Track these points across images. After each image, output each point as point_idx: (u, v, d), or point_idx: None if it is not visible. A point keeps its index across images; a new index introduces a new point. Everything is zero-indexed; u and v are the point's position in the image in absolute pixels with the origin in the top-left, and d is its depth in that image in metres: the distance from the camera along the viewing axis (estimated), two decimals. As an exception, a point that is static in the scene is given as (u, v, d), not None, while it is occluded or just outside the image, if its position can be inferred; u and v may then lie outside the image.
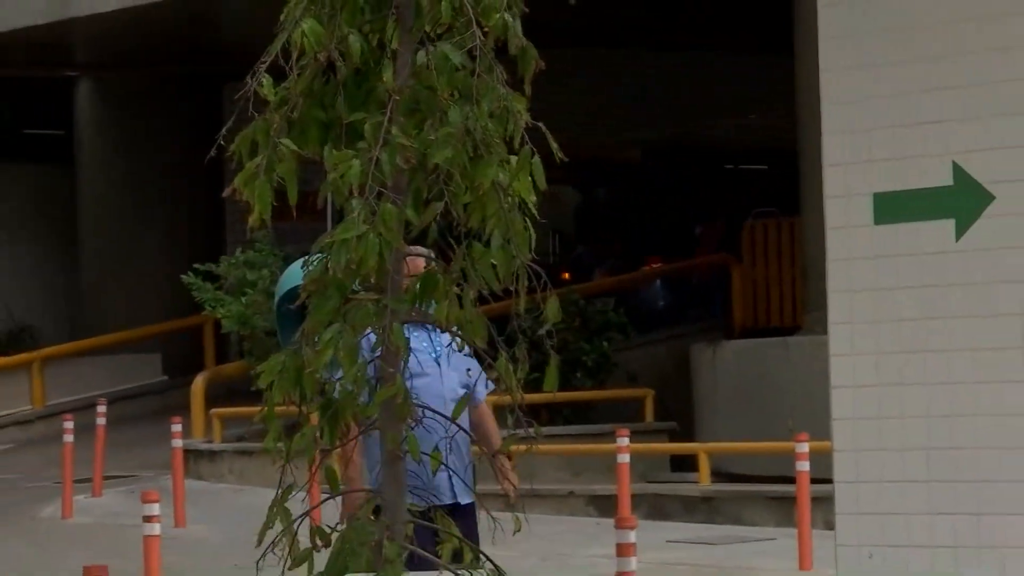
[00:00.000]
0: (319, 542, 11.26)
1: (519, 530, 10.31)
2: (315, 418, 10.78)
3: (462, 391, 10.92)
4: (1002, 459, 8.80)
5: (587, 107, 31.55)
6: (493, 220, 10.31)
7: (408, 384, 9.85)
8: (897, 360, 9.23)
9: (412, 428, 9.73)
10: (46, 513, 26.92)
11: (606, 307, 33.05)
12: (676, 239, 37.02)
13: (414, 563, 10.04)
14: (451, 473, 10.65)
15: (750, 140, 39.77)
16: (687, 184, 37.82)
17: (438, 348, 11.04)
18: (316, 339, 10.97)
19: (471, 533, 10.94)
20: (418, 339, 10.83)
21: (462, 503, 10.97)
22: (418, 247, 10.38)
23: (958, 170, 8.80)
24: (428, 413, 9.90)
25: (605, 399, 30.88)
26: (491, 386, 10.89)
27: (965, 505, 8.87)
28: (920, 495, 9.09)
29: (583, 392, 29.84)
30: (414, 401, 9.91)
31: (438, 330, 10.32)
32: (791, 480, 20.56)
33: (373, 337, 10.12)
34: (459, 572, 10.89)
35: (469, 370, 10.85)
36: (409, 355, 9.74)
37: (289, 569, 10.81)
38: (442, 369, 10.96)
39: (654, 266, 36.03)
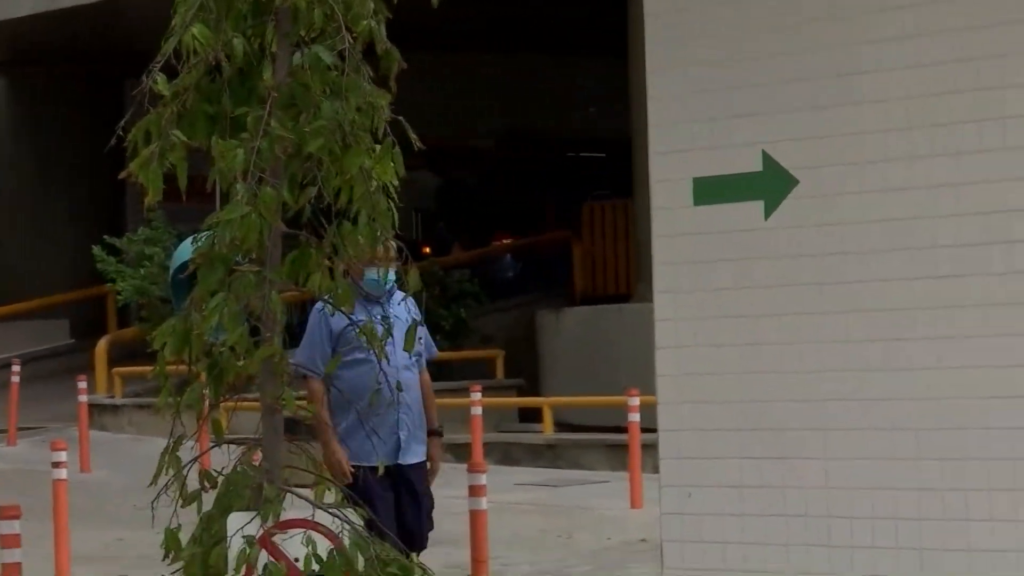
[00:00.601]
0: (207, 484, 11.45)
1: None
2: (203, 376, 11.57)
3: (411, 360, 11.25)
4: (799, 410, 9.02)
5: (446, 102, 31.77)
6: (360, 201, 11.02)
7: (364, 355, 10.37)
8: (713, 324, 9.41)
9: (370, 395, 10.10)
10: None
11: (463, 278, 33.16)
12: (525, 218, 37.48)
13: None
14: (406, 435, 11.00)
15: (590, 131, 40.23)
16: (535, 170, 38.36)
17: (390, 319, 10.85)
18: (204, 306, 11.15)
19: (421, 493, 11.25)
20: (369, 313, 10.92)
21: (415, 462, 11.10)
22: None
23: (767, 157, 8.96)
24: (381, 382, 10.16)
25: (461, 359, 29.84)
26: (435, 352, 11.61)
27: (771, 450, 9.08)
28: (732, 442, 9.27)
29: (442, 353, 29.70)
30: (370, 369, 10.19)
31: (393, 305, 11.22)
32: (624, 430, 21.09)
33: (336, 320, 11.04)
34: (331, 511, 11.15)
35: (421, 339, 10.95)
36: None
37: (181, 508, 11.05)
38: (394, 339, 10.82)
39: (505, 242, 36.47)
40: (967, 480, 8.41)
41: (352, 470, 10.98)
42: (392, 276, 11.25)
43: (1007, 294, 8.44)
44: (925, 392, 8.94)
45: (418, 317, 10.98)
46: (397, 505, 11.08)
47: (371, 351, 10.55)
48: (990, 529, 8.45)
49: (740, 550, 9.30)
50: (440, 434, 11.37)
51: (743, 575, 9.17)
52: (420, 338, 10.96)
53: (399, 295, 11.47)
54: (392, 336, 10.78)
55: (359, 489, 10.69)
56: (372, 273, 11.08)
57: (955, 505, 8.26)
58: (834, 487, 9.05)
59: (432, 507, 11.20)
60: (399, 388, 10.48)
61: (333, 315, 11.04)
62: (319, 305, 11.59)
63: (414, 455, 11.06)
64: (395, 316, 10.93)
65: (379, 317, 10.65)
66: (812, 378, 9.34)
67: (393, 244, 10.76)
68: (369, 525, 11.12)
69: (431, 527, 11.16)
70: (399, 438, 11.14)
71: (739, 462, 9.43)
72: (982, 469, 8.43)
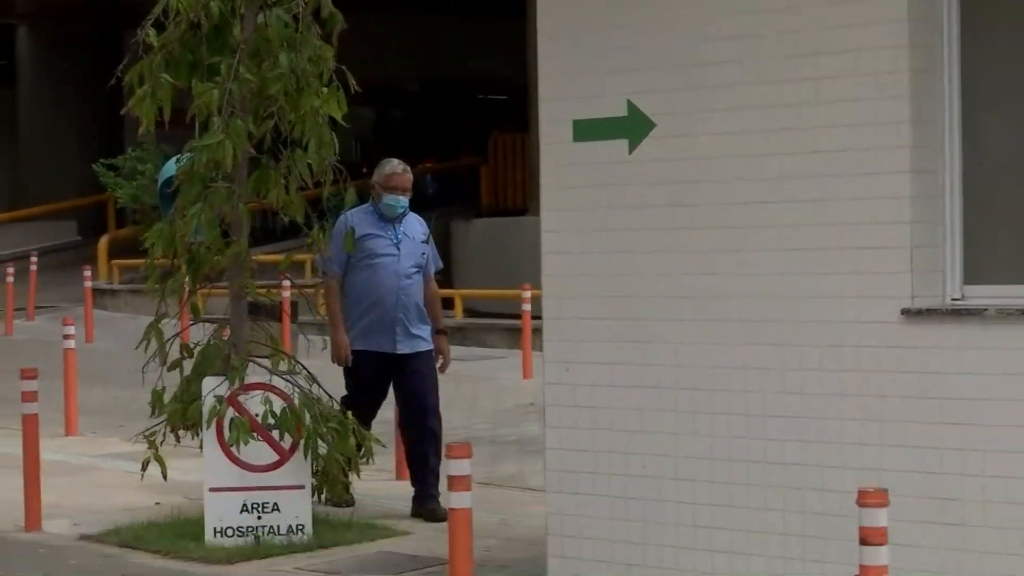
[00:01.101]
0: (186, 354, 11.87)
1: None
2: (184, 268, 11.83)
3: (415, 269, 11.30)
4: (656, 303, 8.95)
5: (382, 53, 31.56)
6: (309, 133, 11.52)
7: (374, 261, 11.28)
8: (588, 236, 9.25)
9: (376, 295, 11.22)
10: None
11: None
12: (444, 147, 37.99)
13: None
14: (402, 330, 11.08)
15: (497, 79, 40.42)
16: (452, 108, 38.89)
17: (400, 237, 11.19)
18: (185, 213, 11.63)
19: (422, 374, 11.34)
20: (384, 229, 11.26)
21: (411, 352, 11.15)
22: (401, 163, 11.84)
23: (631, 105, 8.82)
24: (387, 283, 11.18)
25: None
26: (440, 265, 11.70)
27: (633, 336, 9.04)
28: (603, 328, 9.18)
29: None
30: (374, 275, 11.29)
31: (399, 226, 11.38)
32: (519, 316, 22.05)
33: (348, 219, 11.35)
34: (284, 377, 11.57)
35: (424, 254, 11.42)
36: (373, 241, 11.26)
37: (167, 372, 11.70)
38: (400, 252, 11.06)
39: (428, 165, 36.31)
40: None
41: (350, 354, 11.04)
42: (405, 202, 11.41)
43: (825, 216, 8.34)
44: (763, 291, 8.70)
45: (427, 237, 11.50)
46: (398, 386, 11.22)
47: (380, 259, 10.82)
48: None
49: (608, 414, 9.17)
50: (445, 332, 11.43)
51: (610, 432, 9.07)
52: (424, 253, 11.35)
53: (414, 217, 11.57)
54: (399, 250, 10.97)
55: (354, 368, 11.34)
56: (390, 199, 11.22)
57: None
58: (685, 364, 8.88)
59: (436, 386, 11.23)
60: (400, 291, 11.17)
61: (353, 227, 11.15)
62: (342, 216, 11.52)
63: (410, 347, 11.04)
64: (405, 234, 11.24)
65: (390, 235, 11.17)
66: (666, 280, 8.95)
67: (410, 176, 11.77)
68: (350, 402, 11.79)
69: (436, 403, 11.23)
70: (395, 334, 11.07)
71: (608, 344, 9.18)
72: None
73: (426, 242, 11.53)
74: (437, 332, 11.38)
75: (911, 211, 7.92)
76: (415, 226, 11.52)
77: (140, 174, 29.54)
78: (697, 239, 8.77)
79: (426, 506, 11.12)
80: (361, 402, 11.14)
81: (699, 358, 8.77)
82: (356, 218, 11.38)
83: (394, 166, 11.49)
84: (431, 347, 11.39)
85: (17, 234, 34.66)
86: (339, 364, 11.20)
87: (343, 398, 11.67)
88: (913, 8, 8.14)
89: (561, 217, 9.34)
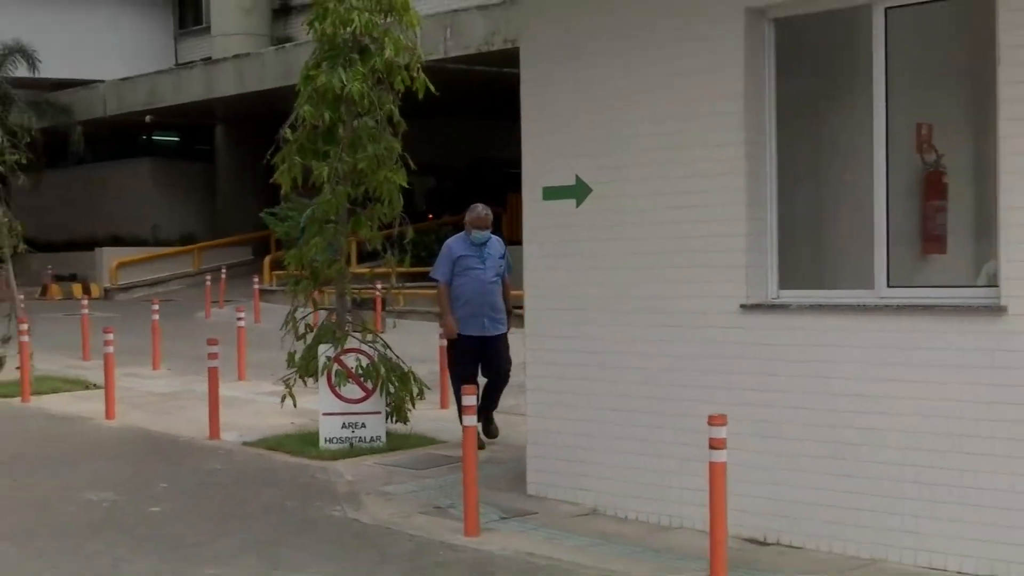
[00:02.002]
0: (308, 330, 11.92)
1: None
2: (309, 277, 11.99)
3: (496, 277, 11.09)
4: (594, 296, 9.07)
5: (440, 141, 30.15)
6: (385, 194, 11.60)
7: (468, 273, 11.00)
8: (552, 259, 9.18)
9: (469, 295, 10.90)
10: (197, 316, 26.92)
11: (445, 231, 29.53)
12: (480, 202, 35.54)
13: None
14: (488, 320, 10.95)
15: (515, 159, 37.91)
16: (486, 178, 35.26)
17: (486, 256, 10.98)
18: (309, 243, 11.66)
19: (500, 348, 11.16)
20: (474, 251, 10.99)
21: (495, 334, 11.01)
22: (485, 208, 11.20)
23: (578, 179, 8.77)
24: (477, 288, 10.88)
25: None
26: (511, 270, 11.15)
27: (576, 320, 9.05)
28: (559, 316, 9.13)
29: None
30: (469, 282, 10.98)
31: (485, 248, 11.08)
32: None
33: (450, 245, 11.22)
34: (370, 345, 11.54)
35: (501, 265, 11.15)
36: (467, 259, 10.92)
37: (297, 341, 11.91)
38: (486, 266, 10.93)
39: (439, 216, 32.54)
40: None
41: (457, 333, 10.89)
42: (487, 233, 11.10)
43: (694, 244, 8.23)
44: (654, 293, 8.55)
45: (504, 254, 11.26)
46: (485, 356, 10.99)
47: (471, 271, 11.07)
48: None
49: (564, 369, 9.15)
50: (511, 312, 11.23)
51: (566, 381, 9.07)
52: (501, 264, 11.12)
53: (495, 239, 11.26)
54: (484, 264, 11.01)
55: (459, 343, 11.02)
56: (476, 233, 10.96)
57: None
58: (606, 338, 8.89)
59: (508, 356, 11.14)
60: (486, 292, 11.04)
61: (452, 249, 11.12)
62: (447, 241, 11.50)
63: (494, 331, 10.95)
64: (489, 253, 11.01)
65: (478, 254, 11.04)
66: (596, 285, 8.86)
67: (489, 216, 11.20)
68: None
69: (509, 367, 11.08)
70: (484, 321, 10.94)
71: (564, 325, 9.08)
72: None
73: (503, 257, 11.33)
74: (507, 312, 11.30)
75: (746, 243, 7.89)
76: (496, 246, 11.25)
77: (289, 218, 27.93)
78: (613, 259, 8.70)
79: (488, 426, 11.16)
80: (463, 367, 10.95)
81: (613, 334, 8.70)
82: (455, 243, 11.26)
83: (479, 211, 11.16)
84: (506, 329, 11.25)
85: (215, 256, 34.25)
86: (449, 338, 11.17)
87: (449, 363, 11.72)
88: (748, 118, 7.97)
89: (537, 248, 9.23)
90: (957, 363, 6.89)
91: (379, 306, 21.71)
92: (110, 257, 33.42)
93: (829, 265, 8.47)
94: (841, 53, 8.11)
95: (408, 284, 23.77)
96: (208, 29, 33.79)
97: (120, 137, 35.50)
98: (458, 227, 32.01)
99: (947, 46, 7.92)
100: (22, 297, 17.81)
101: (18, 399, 14.72)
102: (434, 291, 12.46)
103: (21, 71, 23.53)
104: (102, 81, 33.22)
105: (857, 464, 7.36)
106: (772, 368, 7.68)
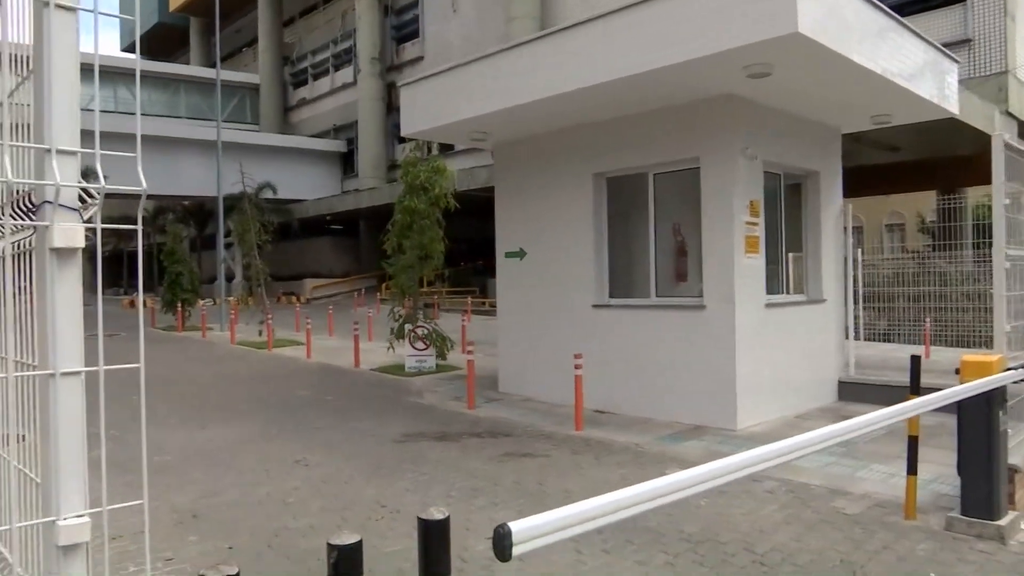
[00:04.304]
0: (400, 317, 10.89)
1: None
2: (401, 293, 10.93)
3: None
4: (533, 302, 8.53)
5: (473, 223, 27.35)
6: (435, 254, 10.74)
7: None
8: (511, 287, 8.44)
9: None
10: (350, 311, 22.45)
11: (471, 270, 25.18)
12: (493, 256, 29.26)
13: None
14: None
15: None
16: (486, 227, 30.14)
17: None
18: (400, 277, 10.79)
19: None
20: None
21: None
22: None
23: (521, 248, 8.36)
24: None
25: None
26: None
27: (525, 309, 8.64)
28: (516, 306, 8.53)
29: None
30: None
31: None
32: None
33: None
34: (429, 325, 10.73)
35: None
36: None
37: (395, 322, 10.93)
38: None
39: (480, 262, 24.76)
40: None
41: None
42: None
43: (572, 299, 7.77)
44: (554, 296, 7.91)
45: None
46: None
47: None
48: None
49: (519, 331, 8.40)
50: None
51: (519, 338, 8.31)
52: None
53: None
54: None
55: None
56: None
57: None
58: (537, 319, 8.25)
59: None
60: None
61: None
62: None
63: None
64: None
65: None
66: (533, 293, 8.26)
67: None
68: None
69: None
70: None
71: (518, 311, 8.36)
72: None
73: None
74: None
75: (594, 275, 7.63)
76: None
77: (392, 265, 23.11)
78: (536, 284, 8.13)
79: None
80: None
81: (536, 319, 8.16)
82: None
83: None
84: None
85: (358, 282, 30.38)
86: None
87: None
88: (595, 220, 7.64)
89: (502, 279, 8.62)
90: (683, 328, 6.78)
91: (436, 306, 20.49)
92: (309, 283, 31.62)
93: (631, 286, 7.70)
94: (635, 191, 7.53)
95: (449, 295, 22.28)
96: (357, 174, 33.16)
97: (314, 226, 33.69)
98: (475, 269, 27.28)
99: (685, 189, 7.09)
100: (268, 304, 17.84)
101: (265, 350, 14.35)
102: (462, 298, 11.48)
103: (268, 194, 23.60)
104: (305, 200, 31.53)
105: (639, 370, 7.14)
106: (604, 333, 7.46)
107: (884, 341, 10.09)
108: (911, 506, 3.97)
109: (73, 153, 1.15)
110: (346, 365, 11.63)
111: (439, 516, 1.32)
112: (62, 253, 1.15)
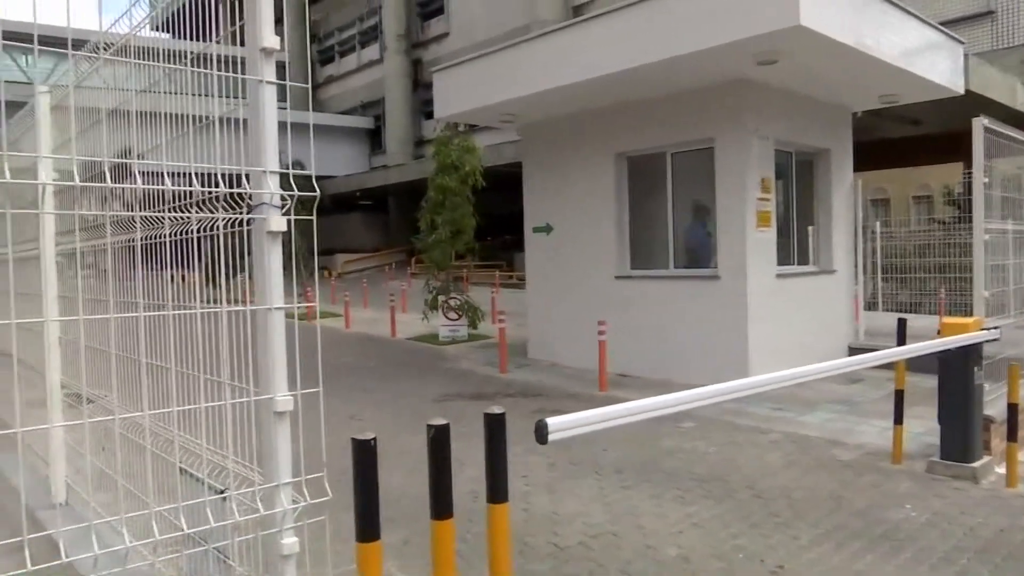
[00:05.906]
0: (433, 290, 10.91)
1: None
2: (434, 266, 10.84)
3: None
4: (559, 277, 8.37)
5: (482, 207, 24.91)
6: (466, 228, 10.65)
7: None
8: (541, 258, 8.44)
9: None
10: (382, 285, 21.29)
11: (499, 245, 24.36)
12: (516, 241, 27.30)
13: None
14: None
15: None
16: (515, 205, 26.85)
17: None
18: (434, 251, 10.73)
19: None
20: None
21: None
22: None
23: (548, 223, 8.42)
24: None
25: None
26: None
27: (554, 287, 8.71)
28: (545, 282, 8.39)
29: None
30: None
31: None
32: None
33: None
34: (461, 297, 10.62)
35: None
36: None
37: (429, 294, 10.67)
38: None
39: (507, 237, 23.04)
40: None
41: None
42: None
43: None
44: (574, 271, 7.90)
45: None
46: None
47: None
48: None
49: (546, 302, 8.44)
50: None
51: (546, 308, 8.37)
52: None
53: None
54: None
55: None
56: None
57: None
58: (561, 292, 8.53)
59: None
60: None
61: None
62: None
63: None
64: None
65: None
66: (559, 269, 8.24)
67: None
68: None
69: None
70: None
71: (548, 286, 8.35)
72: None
73: None
74: None
75: (616, 248, 7.71)
76: None
77: (423, 240, 20.91)
78: (562, 257, 8.18)
79: None
80: None
81: (563, 288, 8.21)
82: None
83: None
84: None
85: (388, 256, 30.23)
86: None
87: None
88: (617, 194, 7.70)
89: (531, 253, 8.68)
90: (700, 297, 6.99)
91: (466, 279, 19.76)
92: (341, 258, 31.39)
93: (650, 258, 7.75)
94: (654, 169, 7.59)
95: (477, 269, 21.49)
96: (384, 151, 32.50)
97: (344, 202, 32.90)
98: (503, 245, 26.18)
99: (701, 167, 7.17)
100: (306, 277, 17.83)
101: (306, 321, 14.74)
102: (490, 272, 11.24)
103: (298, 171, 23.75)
104: (335, 176, 30.31)
105: (659, 336, 7.13)
106: (626, 302, 7.64)
107: (906, 311, 10.19)
108: (898, 452, 4.32)
109: (275, 173, 1.79)
110: (383, 335, 11.70)
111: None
112: (273, 234, 1.80)
